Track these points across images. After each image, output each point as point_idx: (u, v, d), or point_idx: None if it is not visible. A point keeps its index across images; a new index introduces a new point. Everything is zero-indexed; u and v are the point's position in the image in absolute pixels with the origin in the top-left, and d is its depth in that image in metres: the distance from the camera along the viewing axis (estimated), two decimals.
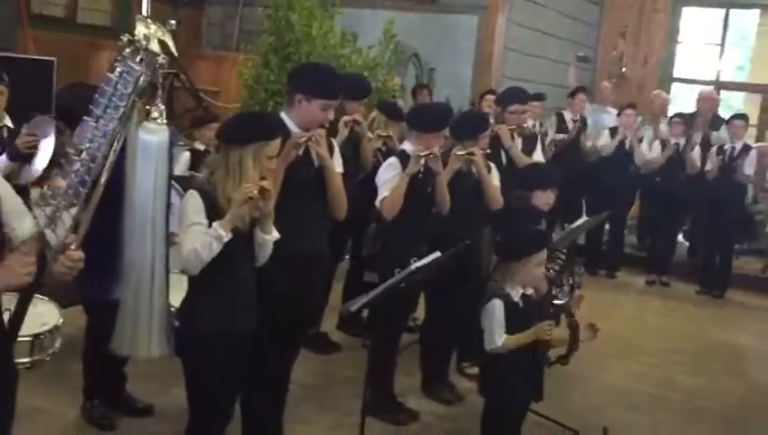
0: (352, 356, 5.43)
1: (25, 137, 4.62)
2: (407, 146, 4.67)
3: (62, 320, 4.60)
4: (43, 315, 4.72)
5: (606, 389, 5.49)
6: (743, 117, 8.52)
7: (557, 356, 3.91)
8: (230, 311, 3.18)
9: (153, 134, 3.09)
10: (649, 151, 8.59)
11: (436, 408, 4.89)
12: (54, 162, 4.22)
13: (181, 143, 6.53)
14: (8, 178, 4.18)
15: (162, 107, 3.21)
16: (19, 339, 4.46)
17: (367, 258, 5.00)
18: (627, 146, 8.53)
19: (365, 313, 5.51)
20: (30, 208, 2.65)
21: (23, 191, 3.88)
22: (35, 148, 4.56)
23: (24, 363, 4.46)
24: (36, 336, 4.62)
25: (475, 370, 4.62)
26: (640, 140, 8.60)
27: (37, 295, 4.72)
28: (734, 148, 8.21)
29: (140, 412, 4.36)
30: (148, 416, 4.35)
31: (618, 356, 6.13)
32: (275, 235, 3.25)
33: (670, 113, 9.40)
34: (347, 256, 6.11)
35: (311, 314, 4.74)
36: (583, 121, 8.66)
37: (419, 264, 3.76)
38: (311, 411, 4.60)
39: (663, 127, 8.94)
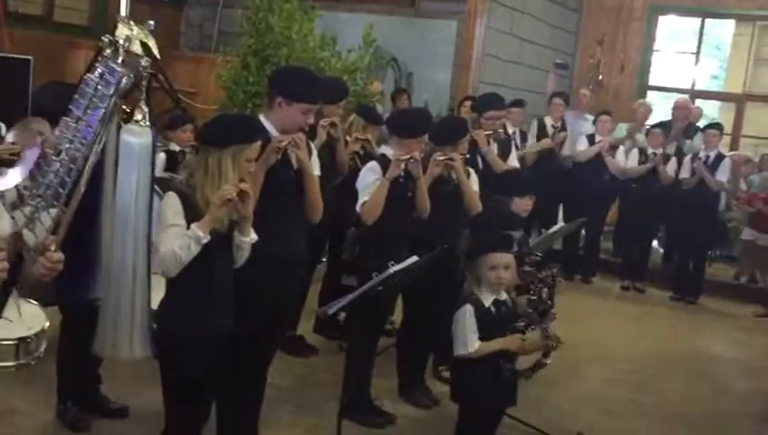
0: (329, 359, 5.44)
1: (8, 146, 4.56)
2: (387, 150, 4.68)
3: (48, 324, 4.57)
4: (29, 319, 4.69)
5: (580, 394, 5.53)
6: (717, 126, 8.65)
7: (522, 370, 3.90)
8: (207, 313, 3.17)
9: (136, 136, 3.08)
10: (626, 160, 8.66)
11: (412, 411, 4.90)
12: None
13: (160, 144, 6.49)
14: None
15: (146, 109, 3.20)
16: (4, 342, 4.45)
17: (345, 262, 5.01)
18: (603, 154, 8.60)
19: (342, 316, 5.51)
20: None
21: None
22: (17, 156, 4.52)
23: (8, 367, 4.43)
24: (22, 340, 4.59)
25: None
26: (614, 148, 8.67)
27: (24, 299, 4.70)
28: (708, 156, 8.31)
29: (115, 414, 4.32)
30: (123, 418, 4.32)
31: (592, 361, 6.18)
32: (254, 237, 3.25)
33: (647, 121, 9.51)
34: (324, 260, 6.11)
35: (287, 317, 4.73)
36: (563, 127, 8.72)
37: (397, 268, 3.77)
38: (287, 414, 4.60)
39: (640, 136, 9.03)
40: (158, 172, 5.80)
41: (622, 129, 9.15)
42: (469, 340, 3.59)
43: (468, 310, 3.62)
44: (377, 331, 4.85)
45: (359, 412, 4.53)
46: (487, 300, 3.68)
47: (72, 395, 4.23)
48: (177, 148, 6.12)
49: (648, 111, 9.57)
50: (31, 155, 4.32)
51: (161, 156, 6.03)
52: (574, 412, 5.17)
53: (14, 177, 4.31)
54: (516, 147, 6.90)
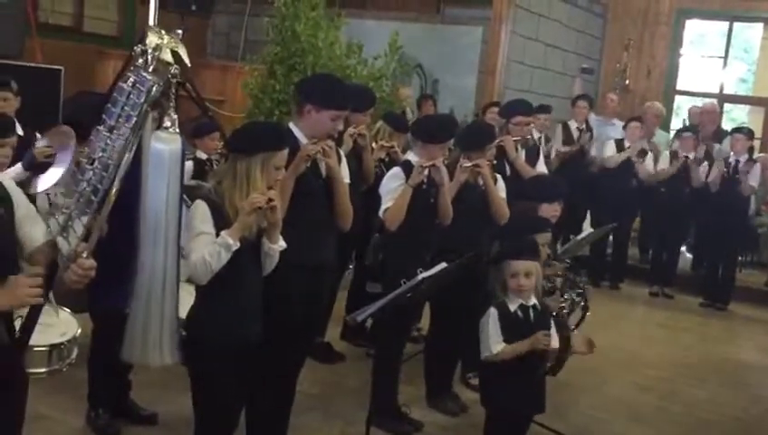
0: (356, 366, 5.44)
1: (42, 147, 4.63)
2: (411, 156, 4.68)
3: (80, 330, 4.61)
4: (61, 325, 4.75)
5: (610, 400, 5.48)
6: (744, 130, 8.55)
7: (547, 367, 3.90)
8: (237, 321, 3.19)
9: (165, 143, 3.10)
10: (654, 164, 8.60)
11: (439, 419, 4.89)
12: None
13: (188, 153, 6.52)
14: (21, 186, 4.20)
15: (174, 116, 3.22)
16: (36, 348, 4.51)
17: (369, 269, 5.01)
18: (633, 159, 8.54)
19: (369, 323, 5.52)
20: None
21: (30, 198, 3.90)
22: (51, 157, 4.58)
23: (40, 373, 4.48)
24: (54, 346, 4.64)
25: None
26: (643, 155, 8.60)
27: (57, 306, 4.75)
28: (738, 161, 8.23)
29: (145, 421, 4.35)
30: (152, 425, 4.35)
31: (621, 368, 6.13)
32: (282, 244, 3.26)
33: (673, 125, 9.42)
34: (351, 266, 6.12)
35: (316, 324, 4.74)
36: (589, 129, 8.68)
37: (426, 274, 3.77)
38: (315, 421, 4.60)
39: (657, 138, 8.95)
40: (186, 180, 5.87)
41: (661, 137, 9.03)
42: (492, 342, 3.58)
43: (492, 314, 3.62)
44: (404, 338, 4.85)
45: (386, 420, 4.52)
46: (513, 304, 3.66)
47: (103, 402, 4.27)
48: (204, 156, 6.16)
49: (657, 112, 9.45)
50: (63, 156, 4.40)
51: (189, 164, 6.07)
52: (603, 419, 5.13)
53: (52, 177, 4.39)
54: (545, 154, 6.86)
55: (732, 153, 8.35)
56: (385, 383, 4.53)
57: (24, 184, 4.45)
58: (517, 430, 3.81)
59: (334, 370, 5.47)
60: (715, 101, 10.65)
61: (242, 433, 3.67)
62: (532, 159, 6.04)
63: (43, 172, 4.56)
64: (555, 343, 3.73)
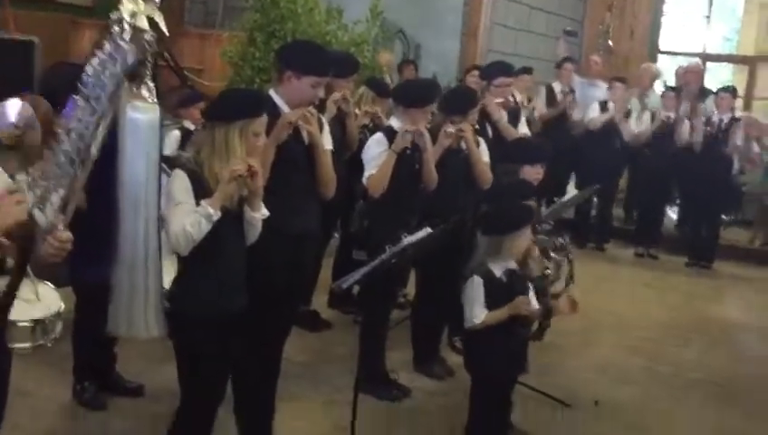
0: (343, 333, 5.44)
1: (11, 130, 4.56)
2: (393, 122, 4.65)
3: (63, 305, 4.58)
4: (44, 300, 4.71)
5: (596, 361, 5.52)
6: (729, 89, 8.54)
7: (531, 332, 3.92)
8: (220, 292, 3.15)
9: (143, 113, 3.05)
10: (637, 125, 8.60)
11: (427, 383, 4.91)
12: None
13: (168, 122, 6.45)
14: None
15: (152, 85, 3.16)
16: (20, 324, 4.48)
17: (354, 236, 4.99)
18: (616, 120, 8.52)
19: (356, 289, 5.51)
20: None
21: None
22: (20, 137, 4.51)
23: (24, 348, 4.46)
24: (38, 321, 4.61)
25: None
26: (627, 115, 8.59)
27: (39, 280, 4.71)
28: (721, 120, 8.23)
29: (131, 392, 4.35)
30: (139, 396, 4.34)
31: (608, 329, 6.17)
32: (264, 212, 3.23)
33: (657, 86, 9.41)
34: (336, 234, 6.10)
35: (302, 292, 4.73)
36: (572, 91, 8.64)
37: (410, 240, 3.75)
38: (303, 389, 4.61)
39: (649, 100, 8.94)
40: (173, 150, 5.80)
41: (635, 102, 9.02)
42: (476, 312, 3.57)
43: (477, 282, 3.60)
44: (390, 304, 4.85)
45: (374, 386, 4.53)
46: (498, 270, 3.65)
47: (89, 375, 4.26)
48: (191, 126, 6.09)
49: (655, 74, 9.45)
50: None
51: (176, 133, 6.01)
52: (590, 381, 5.17)
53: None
54: (527, 117, 6.82)
55: (716, 112, 8.35)
56: (372, 350, 4.53)
57: None
58: (502, 392, 3.82)
59: (321, 337, 5.47)
60: (698, 60, 10.63)
61: (229, 403, 3.67)
62: (512, 121, 6.01)
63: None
64: (535, 305, 3.74)
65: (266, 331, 3.69)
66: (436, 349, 5.17)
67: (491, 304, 3.59)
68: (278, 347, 3.90)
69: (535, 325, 3.92)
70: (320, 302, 5.82)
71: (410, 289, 5.60)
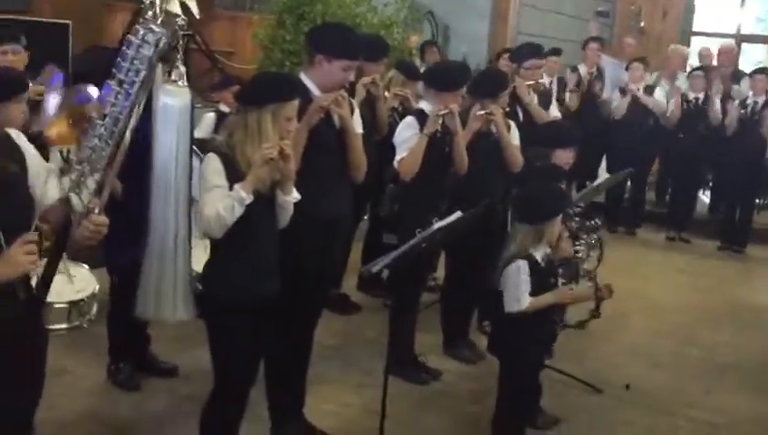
0: (373, 317, 5.46)
1: (33, 87, 4.62)
2: (424, 105, 4.63)
3: (98, 287, 4.64)
4: (79, 282, 4.78)
5: (627, 346, 5.49)
6: (764, 71, 8.40)
7: (576, 321, 3.92)
8: (253, 275, 3.17)
9: (174, 97, 3.07)
10: (667, 104, 8.49)
11: (457, 367, 4.92)
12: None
13: (198, 105, 6.48)
14: (24, 128, 4.20)
15: (182, 69, 3.18)
16: (56, 305, 4.56)
17: (385, 219, 5.00)
18: (640, 100, 8.42)
19: (385, 273, 5.51)
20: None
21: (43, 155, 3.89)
22: (41, 95, 4.56)
23: (61, 329, 4.53)
24: (73, 303, 4.68)
25: None
26: (650, 92, 8.46)
27: (74, 262, 4.78)
28: (756, 102, 8.10)
29: (166, 373, 4.41)
30: (173, 377, 4.40)
31: (639, 313, 6.13)
32: (296, 196, 3.23)
33: (689, 68, 9.29)
34: (366, 217, 6.11)
35: (333, 275, 4.75)
36: (599, 72, 8.55)
37: (441, 224, 3.74)
38: (334, 372, 4.64)
39: (680, 82, 8.83)
40: (208, 133, 5.84)
41: (665, 85, 8.90)
42: (522, 297, 3.55)
43: (522, 267, 3.56)
44: (420, 287, 4.85)
45: (404, 369, 4.55)
46: (539, 255, 3.63)
47: (124, 356, 4.32)
48: (226, 109, 6.13)
49: (682, 56, 9.31)
50: (53, 90, 4.38)
51: (211, 116, 6.05)
52: (621, 365, 5.14)
53: (48, 111, 4.36)
54: (558, 99, 6.78)
55: (750, 94, 8.23)
56: (402, 333, 4.55)
57: (26, 126, 4.45)
58: (532, 376, 3.82)
59: (351, 321, 5.50)
60: (732, 41, 10.46)
61: (261, 385, 3.70)
62: (544, 104, 5.96)
63: (36, 111, 4.54)
64: (583, 290, 3.72)
65: (297, 314, 3.71)
66: (466, 333, 5.17)
67: (533, 289, 3.57)
68: (309, 330, 3.93)
69: (584, 309, 3.89)
70: (349, 285, 5.85)
71: (440, 273, 5.60)
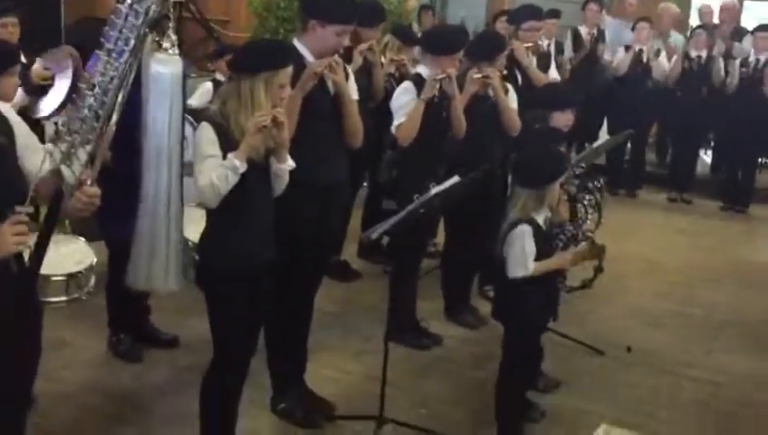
0: (374, 283, 5.46)
1: (40, 70, 4.56)
2: (421, 70, 4.59)
3: (95, 259, 4.64)
4: (76, 254, 4.77)
5: (628, 308, 5.49)
6: (767, 28, 8.29)
7: (582, 281, 3.90)
8: (248, 244, 3.15)
9: (166, 65, 3.02)
10: (669, 65, 8.42)
11: (458, 332, 4.92)
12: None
13: (193, 75, 6.44)
14: (24, 111, 4.15)
15: (174, 37, 3.14)
16: (54, 278, 4.56)
17: (384, 185, 4.98)
18: (644, 60, 8.34)
19: (385, 240, 5.51)
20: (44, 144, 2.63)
21: (36, 128, 3.86)
22: (50, 81, 4.52)
23: (59, 302, 4.54)
24: (71, 275, 4.68)
25: None
26: (657, 54, 8.40)
27: (71, 235, 4.77)
28: (758, 60, 8.02)
29: (167, 344, 4.42)
30: (174, 347, 4.41)
31: (640, 275, 6.12)
32: (291, 163, 3.21)
33: (690, 27, 9.19)
34: (365, 184, 6.09)
35: (332, 243, 4.74)
36: (600, 34, 8.46)
37: (438, 189, 3.72)
38: (334, 339, 4.65)
39: (673, 40, 8.74)
40: (205, 102, 5.80)
41: (659, 43, 8.80)
42: (528, 262, 3.51)
43: (527, 231, 3.51)
44: (420, 253, 4.84)
45: (405, 335, 4.56)
46: (540, 218, 3.59)
47: (124, 327, 4.32)
48: (222, 78, 6.09)
49: (672, 14, 9.19)
50: (62, 77, 4.33)
51: (208, 85, 6.01)
52: (622, 327, 5.15)
53: (54, 101, 4.32)
54: (557, 61, 6.71)
55: (752, 52, 8.14)
56: (402, 299, 4.54)
57: (27, 110, 4.40)
58: (536, 340, 3.81)
59: (351, 287, 5.50)
60: None
61: (262, 354, 3.70)
62: (543, 67, 5.91)
63: (43, 96, 4.49)
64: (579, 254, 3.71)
65: (296, 282, 3.70)
66: (467, 298, 5.18)
67: (536, 253, 3.54)
68: (309, 298, 3.92)
69: (589, 274, 3.87)
70: (349, 252, 5.84)
71: (440, 239, 5.59)
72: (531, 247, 3.50)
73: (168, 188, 3.04)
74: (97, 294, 4.47)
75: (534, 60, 5.75)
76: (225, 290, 3.16)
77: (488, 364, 4.36)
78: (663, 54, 8.44)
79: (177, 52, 3.12)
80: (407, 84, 4.54)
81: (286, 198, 3.28)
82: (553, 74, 6.07)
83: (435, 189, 3.72)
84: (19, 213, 2.28)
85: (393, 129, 4.49)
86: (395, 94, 4.59)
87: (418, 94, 4.40)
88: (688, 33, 8.88)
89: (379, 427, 3.62)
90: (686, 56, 8.34)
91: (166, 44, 3.12)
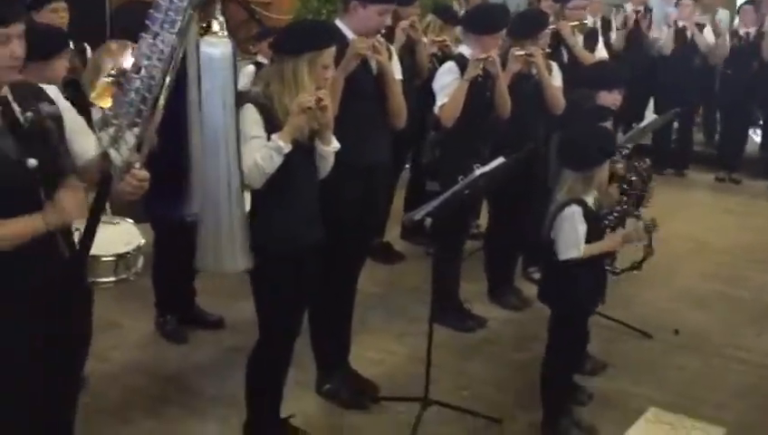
0: (417, 265, 5.44)
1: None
2: (464, 49, 4.54)
3: (143, 240, 4.69)
4: (125, 235, 4.81)
5: (675, 290, 5.41)
6: None
7: (631, 263, 3.84)
8: (295, 225, 3.17)
9: (215, 47, 3.01)
10: (716, 43, 8.22)
11: (502, 314, 4.90)
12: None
13: (238, 58, 6.42)
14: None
15: (222, 19, 3.13)
16: (103, 259, 4.60)
17: (427, 167, 4.95)
18: (689, 37, 8.15)
19: (428, 221, 5.48)
20: (93, 129, 2.65)
21: (83, 114, 3.88)
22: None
23: (107, 283, 4.58)
24: (120, 256, 4.72)
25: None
26: (701, 29, 8.20)
27: (119, 216, 4.82)
28: None
29: (212, 325, 4.47)
30: (219, 328, 4.45)
31: (688, 257, 6.02)
32: (336, 145, 3.21)
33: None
34: (408, 165, 6.06)
35: (375, 224, 4.73)
36: (647, 10, 8.30)
37: (483, 170, 3.68)
38: (378, 320, 4.65)
39: (720, 17, 8.53)
40: (248, 84, 5.81)
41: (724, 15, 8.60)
42: (580, 243, 3.45)
43: (577, 212, 3.44)
44: (463, 235, 4.81)
45: (449, 316, 4.55)
46: (589, 199, 3.53)
47: (170, 308, 4.38)
48: (265, 61, 6.10)
49: None
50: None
51: (250, 68, 6.01)
52: (670, 309, 5.07)
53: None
54: (605, 39, 6.60)
55: None
56: (446, 281, 4.53)
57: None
58: (583, 323, 3.77)
59: (394, 269, 5.49)
60: None
61: (307, 335, 3.72)
62: (590, 45, 5.81)
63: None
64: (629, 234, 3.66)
65: (340, 263, 3.70)
66: (511, 279, 5.14)
67: (587, 235, 3.48)
68: (352, 279, 3.93)
69: (638, 256, 3.81)
70: (392, 234, 5.83)
71: (483, 220, 5.55)
72: (582, 229, 3.44)
73: (228, 170, 3.04)
74: (144, 275, 4.51)
75: (581, 38, 5.66)
76: (271, 272, 3.17)
77: (532, 346, 4.34)
78: (708, 29, 8.23)
79: (225, 33, 3.11)
80: (449, 64, 4.50)
81: (328, 180, 3.28)
82: (601, 52, 5.97)
83: (480, 170, 3.68)
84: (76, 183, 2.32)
85: (436, 109, 4.46)
86: (437, 74, 4.56)
87: (461, 74, 4.36)
88: (736, 9, 8.66)
89: (424, 408, 3.62)
90: (735, 34, 8.14)
91: (215, 26, 3.12)
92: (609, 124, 4.20)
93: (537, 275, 5.06)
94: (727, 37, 8.15)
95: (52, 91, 2.52)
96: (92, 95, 4.48)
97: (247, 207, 3.24)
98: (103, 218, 2.71)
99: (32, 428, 2.45)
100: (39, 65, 3.13)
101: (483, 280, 5.07)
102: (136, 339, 4.34)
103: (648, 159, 4.39)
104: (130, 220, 4.97)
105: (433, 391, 3.67)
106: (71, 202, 2.31)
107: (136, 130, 2.53)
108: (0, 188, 2.23)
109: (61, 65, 3.51)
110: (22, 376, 2.37)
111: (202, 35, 3.24)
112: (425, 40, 5.36)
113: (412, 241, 5.89)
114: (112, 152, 2.47)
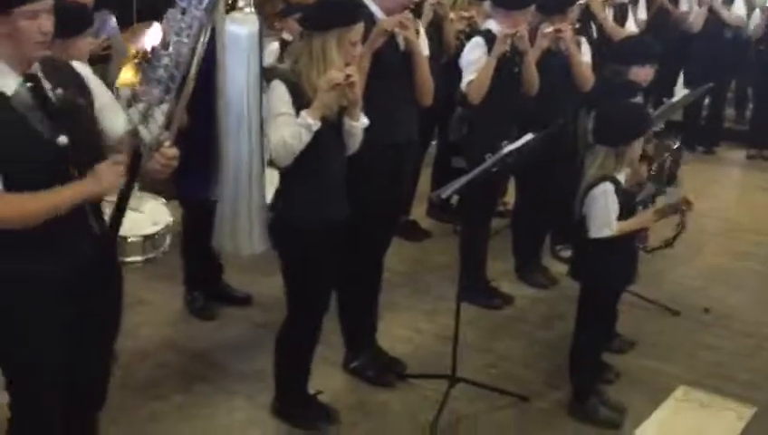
0: (443, 243, 5.43)
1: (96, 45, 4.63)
2: (492, 25, 4.49)
3: (171, 219, 4.73)
4: (152, 215, 4.84)
5: (706, 268, 5.35)
6: None
7: (663, 240, 3.80)
8: (323, 201, 3.17)
9: (242, 25, 3.00)
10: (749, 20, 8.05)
11: (529, 292, 4.87)
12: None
13: (264, 34, 6.37)
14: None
15: None
16: (131, 238, 4.64)
17: (454, 143, 4.92)
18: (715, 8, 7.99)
19: (455, 199, 5.46)
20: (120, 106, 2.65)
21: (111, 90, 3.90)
22: (108, 48, 4.57)
23: (136, 262, 4.62)
24: (148, 236, 4.75)
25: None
26: (730, 2, 8.03)
27: (148, 194, 4.85)
28: None
29: (240, 302, 4.48)
30: (247, 305, 4.47)
31: (719, 234, 5.95)
32: (365, 121, 3.19)
33: None
34: (434, 142, 6.02)
35: (402, 201, 4.72)
36: None
37: (511, 147, 3.65)
38: (405, 298, 4.65)
39: None
40: (272, 61, 5.79)
41: None
42: (612, 220, 3.40)
43: (609, 190, 3.39)
44: (490, 212, 4.78)
45: (476, 294, 4.54)
46: (621, 177, 3.48)
47: (198, 285, 4.40)
48: (289, 37, 6.05)
49: None
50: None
51: (275, 45, 5.98)
52: (700, 287, 5.02)
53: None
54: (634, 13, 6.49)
55: None
56: (473, 259, 4.52)
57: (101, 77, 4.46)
58: (613, 301, 3.74)
59: (421, 247, 5.48)
60: None
61: (335, 312, 3.73)
62: (620, 20, 5.73)
63: (108, 62, 4.56)
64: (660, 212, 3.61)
65: (368, 241, 3.70)
66: (539, 257, 5.11)
67: (618, 213, 3.44)
68: (380, 257, 3.92)
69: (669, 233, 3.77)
70: (419, 211, 5.81)
71: (509, 198, 5.51)
72: (614, 206, 3.39)
73: (250, 150, 3.03)
74: (172, 253, 4.55)
75: (611, 13, 5.58)
76: (299, 247, 3.17)
77: (559, 324, 4.32)
78: (739, 2, 8.06)
79: (252, 11, 3.09)
80: (477, 40, 4.45)
81: (356, 157, 3.27)
82: (631, 27, 5.88)
83: (507, 147, 3.65)
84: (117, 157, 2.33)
85: (463, 86, 4.41)
86: (465, 50, 4.51)
87: (489, 50, 4.31)
88: None
89: (451, 386, 3.62)
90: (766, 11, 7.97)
91: (241, 3, 3.10)
92: (638, 100, 4.13)
93: (565, 254, 5.04)
94: (759, 18, 7.97)
95: (82, 68, 2.52)
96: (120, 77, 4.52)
97: (271, 184, 3.24)
98: (131, 203, 2.71)
99: (64, 402, 2.48)
100: (63, 43, 3.13)
101: (510, 258, 5.04)
102: (165, 316, 4.37)
103: (678, 138, 4.33)
104: (162, 198, 5.01)
105: (460, 368, 3.66)
106: (110, 173, 2.31)
107: (164, 107, 2.53)
108: (31, 166, 2.24)
109: (85, 44, 3.51)
110: (55, 351, 2.39)
111: (228, 12, 3.23)
112: (452, 16, 5.30)
113: (439, 219, 5.87)
114: (142, 129, 2.47)
